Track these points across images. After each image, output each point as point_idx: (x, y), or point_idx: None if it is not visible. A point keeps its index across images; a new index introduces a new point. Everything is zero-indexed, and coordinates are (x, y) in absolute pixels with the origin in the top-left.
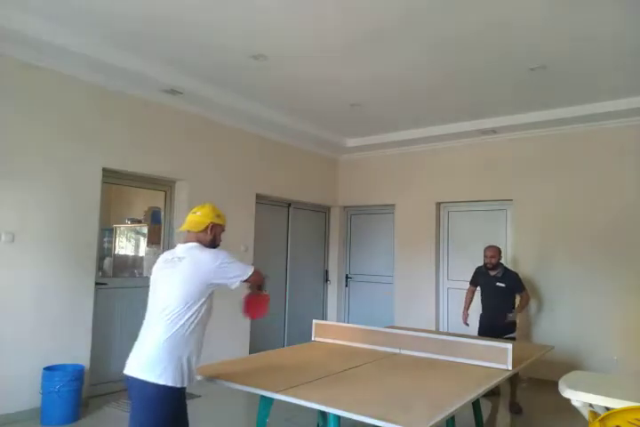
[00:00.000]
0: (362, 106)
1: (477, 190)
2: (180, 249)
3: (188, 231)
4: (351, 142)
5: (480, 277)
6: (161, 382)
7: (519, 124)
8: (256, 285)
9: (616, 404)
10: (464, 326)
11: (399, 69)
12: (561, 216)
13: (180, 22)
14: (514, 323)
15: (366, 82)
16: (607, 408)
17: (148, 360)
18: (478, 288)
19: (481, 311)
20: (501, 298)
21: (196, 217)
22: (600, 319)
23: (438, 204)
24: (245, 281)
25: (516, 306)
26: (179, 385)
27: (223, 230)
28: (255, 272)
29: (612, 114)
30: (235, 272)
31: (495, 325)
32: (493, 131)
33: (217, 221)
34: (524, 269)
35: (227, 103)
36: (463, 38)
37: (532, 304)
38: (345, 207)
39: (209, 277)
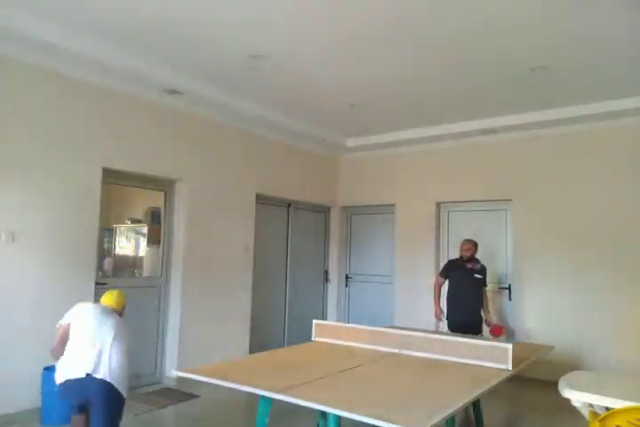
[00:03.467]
0: (362, 106)
1: (477, 190)
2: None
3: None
4: (351, 142)
5: (454, 270)
6: None
7: (519, 124)
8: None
9: (616, 404)
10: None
11: (399, 69)
12: (560, 216)
13: (180, 22)
14: (481, 321)
15: (366, 82)
16: (607, 408)
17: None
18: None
19: (449, 306)
20: (475, 291)
21: (119, 299)
22: (600, 319)
23: (438, 204)
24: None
25: (486, 306)
26: None
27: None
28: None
29: (612, 114)
30: None
31: (469, 322)
32: (493, 131)
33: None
34: (524, 269)
35: (227, 103)
36: (463, 38)
37: (532, 304)
38: (345, 207)
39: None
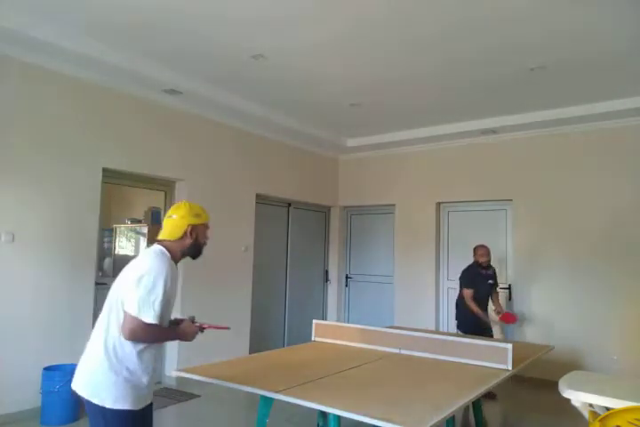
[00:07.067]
0: (362, 106)
1: (477, 190)
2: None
3: (165, 240)
4: (351, 142)
5: (477, 278)
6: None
7: (519, 124)
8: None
9: (616, 404)
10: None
11: (399, 70)
12: (560, 216)
13: (180, 22)
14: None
15: (366, 82)
16: (607, 408)
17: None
18: None
19: (463, 310)
20: (489, 295)
21: (173, 221)
22: (600, 319)
23: (438, 204)
24: (128, 325)
25: (495, 300)
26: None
27: (207, 228)
28: (146, 328)
29: (612, 114)
30: (135, 300)
31: (485, 324)
32: (493, 131)
33: (196, 221)
34: (524, 269)
35: (226, 103)
36: (463, 38)
37: (533, 304)
38: (345, 207)
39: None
